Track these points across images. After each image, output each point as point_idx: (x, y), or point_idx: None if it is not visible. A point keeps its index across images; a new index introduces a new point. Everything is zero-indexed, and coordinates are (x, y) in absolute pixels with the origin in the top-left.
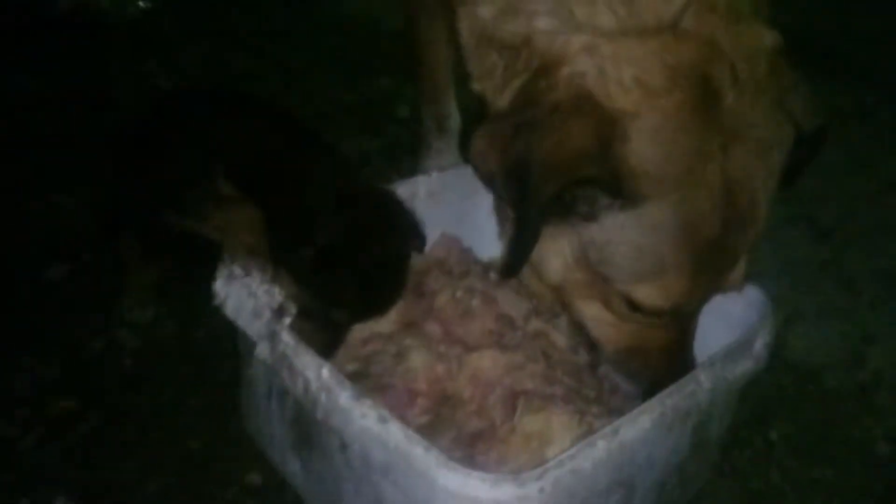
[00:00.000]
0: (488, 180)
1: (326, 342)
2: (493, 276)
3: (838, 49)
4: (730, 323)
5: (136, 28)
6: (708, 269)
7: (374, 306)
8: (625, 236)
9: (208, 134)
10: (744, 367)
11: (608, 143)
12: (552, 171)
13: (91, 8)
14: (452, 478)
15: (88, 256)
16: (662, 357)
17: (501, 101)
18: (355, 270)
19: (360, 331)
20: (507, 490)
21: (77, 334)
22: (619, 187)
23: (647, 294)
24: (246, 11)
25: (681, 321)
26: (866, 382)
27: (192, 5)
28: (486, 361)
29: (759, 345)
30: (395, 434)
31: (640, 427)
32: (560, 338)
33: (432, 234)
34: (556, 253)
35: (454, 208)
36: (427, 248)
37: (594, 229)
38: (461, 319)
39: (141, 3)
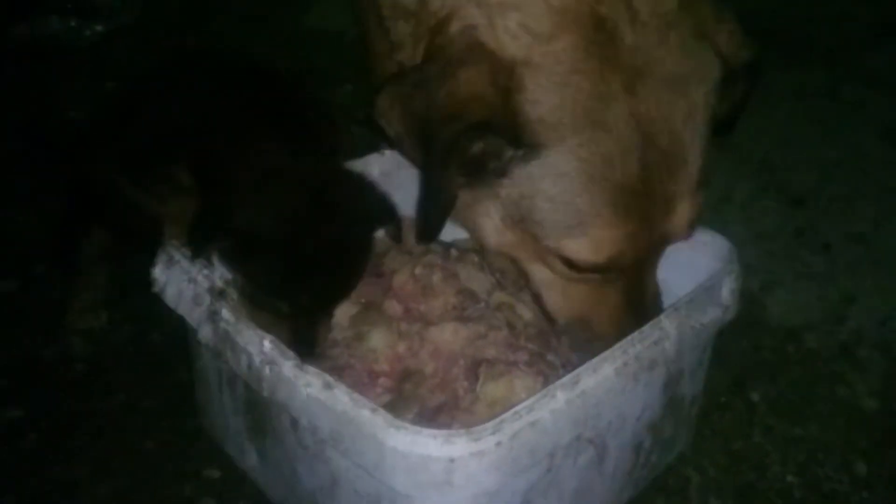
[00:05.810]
0: (398, 142)
1: (290, 336)
2: (454, 252)
3: (804, 34)
4: (696, 276)
5: (93, 52)
6: (637, 215)
7: (321, 296)
8: (535, 188)
9: (174, 116)
10: (712, 314)
11: (503, 89)
12: (447, 117)
13: (47, 33)
14: (401, 437)
15: (40, 269)
16: (617, 320)
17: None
18: (289, 258)
19: None
20: (461, 446)
21: (27, 344)
22: (517, 135)
23: (576, 249)
24: (206, 29)
25: (631, 277)
26: (848, 341)
27: (150, 26)
28: (448, 334)
29: (726, 291)
30: (341, 398)
31: (602, 376)
32: (525, 310)
33: None
34: (484, 216)
35: (409, 187)
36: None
37: (508, 185)
38: (422, 296)
39: (98, 27)
